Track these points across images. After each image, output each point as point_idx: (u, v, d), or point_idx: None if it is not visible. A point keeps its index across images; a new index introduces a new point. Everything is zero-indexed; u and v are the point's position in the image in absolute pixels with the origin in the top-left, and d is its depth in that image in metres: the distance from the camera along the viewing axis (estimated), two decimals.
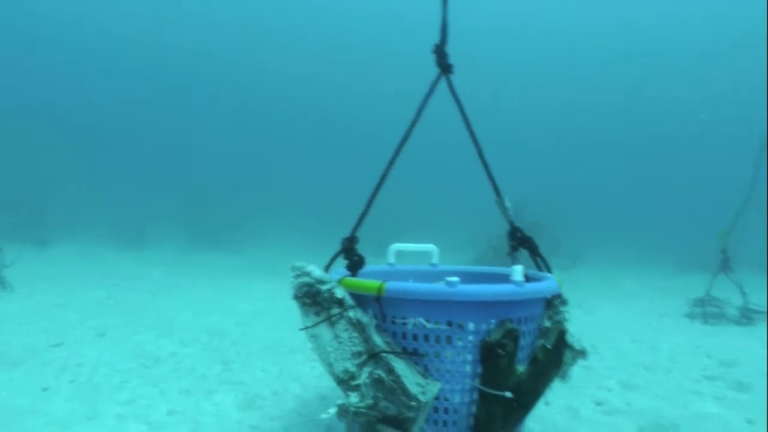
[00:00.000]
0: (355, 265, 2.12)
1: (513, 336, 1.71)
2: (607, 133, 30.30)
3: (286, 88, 34.28)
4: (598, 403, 2.91)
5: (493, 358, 1.70)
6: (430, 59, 2.34)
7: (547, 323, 1.99)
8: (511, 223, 2.34)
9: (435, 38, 2.36)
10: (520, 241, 2.33)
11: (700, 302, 6.11)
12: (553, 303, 2.06)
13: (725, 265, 6.31)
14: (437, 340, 1.79)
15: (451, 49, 2.36)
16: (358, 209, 2.19)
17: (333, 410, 1.70)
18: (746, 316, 5.77)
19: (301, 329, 1.86)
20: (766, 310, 5.79)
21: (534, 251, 2.33)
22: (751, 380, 3.41)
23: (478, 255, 10.52)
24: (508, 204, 2.28)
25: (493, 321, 1.79)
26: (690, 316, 6.01)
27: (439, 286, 1.74)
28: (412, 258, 2.66)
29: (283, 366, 3.55)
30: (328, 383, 3.17)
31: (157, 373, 3.30)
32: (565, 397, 2.95)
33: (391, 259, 2.60)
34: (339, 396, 2.94)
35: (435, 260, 2.70)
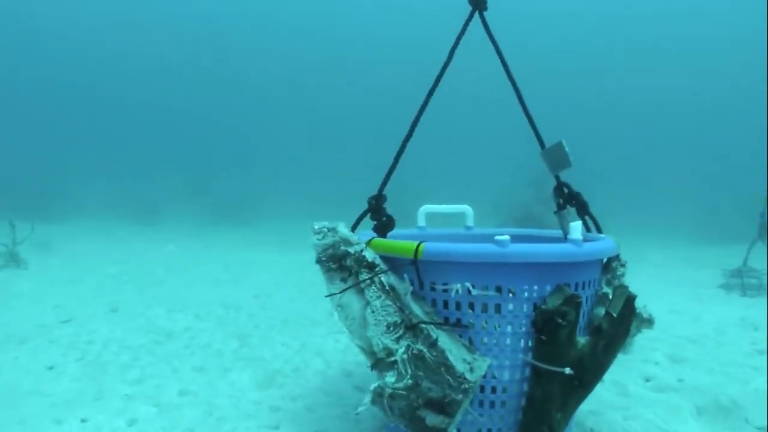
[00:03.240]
0: (384, 226, 1.87)
1: (575, 303, 1.46)
2: (631, 102, 29.49)
3: (299, 65, 33.83)
4: (647, 379, 2.67)
5: (551, 328, 1.45)
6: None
7: (606, 288, 1.74)
8: (558, 178, 2.07)
9: None
10: (568, 198, 2.06)
11: (737, 272, 5.81)
12: (610, 266, 1.81)
13: (763, 231, 5.96)
14: (484, 308, 1.55)
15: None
16: (372, 180, 1.93)
17: (368, 399, 1.47)
18: None
19: (327, 296, 1.63)
20: None
21: (583, 209, 2.06)
22: None
23: (500, 223, 10.25)
24: (567, 148, 1.96)
25: (548, 287, 1.54)
26: (726, 287, 5.72)
27: (487, 246, 1.49)
28: (444, 221, 2.41)
29: (304, 340, 3.34)
30: (354, 358, 2.96)
31: (169, 349, 3.11)
32: (610, 371, 2.69)
33: (422, 222, 2.34)
34: (366, 372, 2.73)
35: (470, 222, 2.44)
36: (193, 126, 30.58)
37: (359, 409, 1.46)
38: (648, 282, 6.02)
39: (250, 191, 15.40)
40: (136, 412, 2.16)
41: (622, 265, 1.82)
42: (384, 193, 1.89)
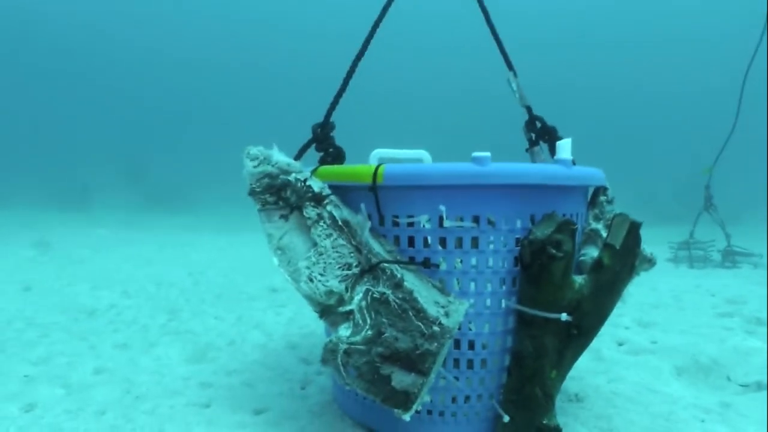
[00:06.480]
0: (332, 159, 1.56)
1: (570, 230, 1.18)
2: (581, 88, 29.64)
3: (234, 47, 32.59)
4: (620, 343, 2.46)
5: (542, 263, 1.17)
6: None
7: (595, 224, 1.49)
8: (529, 109, 1.81)
9: None
10: (541, 133, 1.81)
11: (685, 245, 5.79)
12: (597, 200, 1.56)
13: (708, 203, 5.97)
14: (458, 243, 1.26)
15: None
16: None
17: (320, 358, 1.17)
18: (730, 260, 5.48)
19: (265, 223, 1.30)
20: (749, 252, 5.51)
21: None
22: None
23: None
24: (513, 85, 1.74)
25: (533, 217, 1.27)
26: (674, 260, 5.70)
27: (463, 165, 1.21)
28: None
29: (240, 313, 3.00)
30: (299, 329, 2.64)
31: (88, 327, 2.71)
32: None
33: None
34: (315, 343, 2.42)
35: None
36: (127, 108, 29.01)
37: None
38: None
39: (188, 176, 14.73)
40: (35, 395, 1.78)
41: (609, 202, 1.58)
42: (332, 120, 1.58)
